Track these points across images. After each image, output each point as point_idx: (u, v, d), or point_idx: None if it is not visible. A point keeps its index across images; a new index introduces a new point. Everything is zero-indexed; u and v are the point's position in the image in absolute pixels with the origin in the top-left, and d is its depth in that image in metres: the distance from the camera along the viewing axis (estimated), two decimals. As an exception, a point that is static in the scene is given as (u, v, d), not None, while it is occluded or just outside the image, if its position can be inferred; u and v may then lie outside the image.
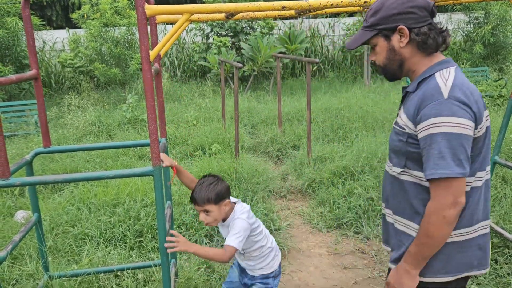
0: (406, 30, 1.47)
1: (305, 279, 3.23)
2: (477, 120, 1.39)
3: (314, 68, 12.24)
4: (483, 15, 11.56)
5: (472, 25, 12.06)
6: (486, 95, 8.15)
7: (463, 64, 10.80)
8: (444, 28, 1.51)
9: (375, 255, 3.47)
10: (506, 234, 2.81)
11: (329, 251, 3.62)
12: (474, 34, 11.73)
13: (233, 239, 2.02)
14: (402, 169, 1.55)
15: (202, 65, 11.37)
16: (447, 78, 1.43)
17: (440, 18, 13.21)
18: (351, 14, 11.28)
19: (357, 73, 11.99)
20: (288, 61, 11.59)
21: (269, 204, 4.32)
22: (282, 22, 12.68)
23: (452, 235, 1.48)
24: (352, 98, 7.58)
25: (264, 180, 4.68)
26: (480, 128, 1.41)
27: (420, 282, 1.54)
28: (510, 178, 3.96)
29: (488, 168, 1.52)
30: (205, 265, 3.04)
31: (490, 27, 11.03)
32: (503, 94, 8.41)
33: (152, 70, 1.93)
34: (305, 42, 10.49)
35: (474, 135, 1.40)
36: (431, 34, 1.47)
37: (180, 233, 3.73)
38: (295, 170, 5.08)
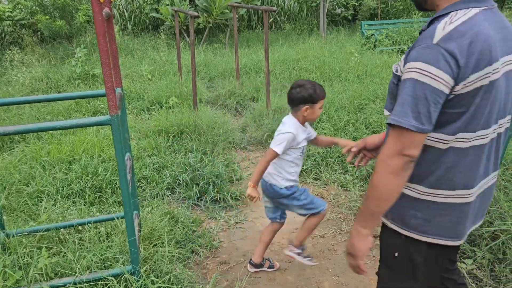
0: None
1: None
2: (460, 76, 1.23)
3: (271, 20, 12.03)
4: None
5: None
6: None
7: (415, 15, 10.97)
8: None
9: (333, 199, 3.62)
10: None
11: (290, 197, 3.73)
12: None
13: None
14: (390, 113, 1.42)
15: (154, 17, 10.87)
16: (454, 20, 1.26)
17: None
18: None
19: (313, 24, 11.92)
20: (244, 12, 11.31)
21: (229, 155, 4.34)
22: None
23: (431, 193, 1.39)
24: (309, 49, 7.58)
25: (224, 132, 4.68)
26: (467, 84, 1.25)
27: (402, 234, 1.47)
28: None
29: (484, 132, 1.33)
30: (168, 215, 3.05)
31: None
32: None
33: (103, 14, 1.82)
34: (260, -8, 10.22)
35: (454, 91, 1.26)
36: None
37: (141, 187, 3.70)
38: (254, 122, 5.10)
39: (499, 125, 1.38)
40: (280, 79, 6.29)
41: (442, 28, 1.25)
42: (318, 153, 4.10)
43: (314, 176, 3.96)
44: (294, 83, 2.40)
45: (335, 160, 4.03)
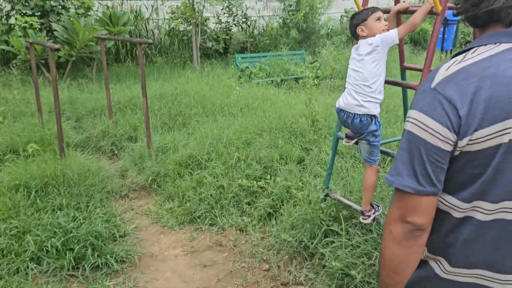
0: None
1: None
2: (462, 129, 0.99)
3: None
4: (295, 3, 12.59)
5: (286, 12, 13.04)
6: (306, 76, 8.86)
7: (282, 49, 11.57)
8: None
9: (234, 246, 3.31)
10: (354, 205, 2.94)
11: (185, 250, 3.31)
12: (289, 21, 12.71)
13: None
14: None
15: (3, 50, 9.49)
16: (467, 58, 1.03)
17: (258, 5, 13.91)
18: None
19: (186, 57, 11.73)
20: (111, 45, 10.59)
21: (109, 207, 3.75)
22: (99, 3, 11.49)
23: (449, 271, 1.14)
24: (186, 83, 7.30)
25: (100, 180, 4.06)
26: (476, 140, 0.99)
27: None
28: (344, 151, 4.28)
29: (506, 204, 1.03)
30: None
31: (302, 14, 12.09)
32: (318, 75, 9.29)
33: None
34: (129, 25, 9.69)
35: (458, 147, 1.01)
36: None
37: (-6, 262, 2.90)
38: (135, 165, 4.56)
39: (499, 206, 1.05)
40: (159, 116, 5.85)
41: (446, 68, 1.03)
42: (211, 195, 3.78)
43: (209, 221, 3.61)
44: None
45: (229, 202, 3.75)
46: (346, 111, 2.62)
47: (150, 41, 4.23)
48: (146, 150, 4.65)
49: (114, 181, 4.26)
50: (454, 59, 1.06)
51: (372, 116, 2.56)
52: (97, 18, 9.45)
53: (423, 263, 1.19)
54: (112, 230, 3.38)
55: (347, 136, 2.90)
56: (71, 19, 8.55)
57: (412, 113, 1.06)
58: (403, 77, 3.23)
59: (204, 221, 3.61)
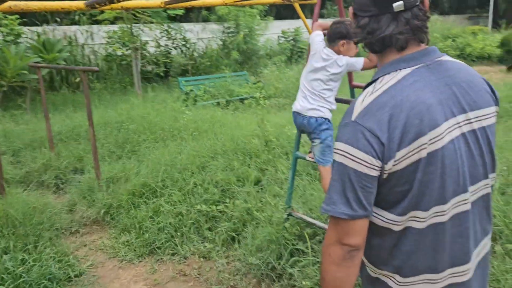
0: None
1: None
2: (386, 154, 1.09)
3: (78, 80, 11.05)
4: (234, 25, 12.80)
5: (226, 34, 13.21)
6: (251, 97, 8.96)
7: (224, 70, 11.66)
8: None
9: (198, 275, 3.22)
10: (317, 222, 2.99)
11: (148, 283, 3.18)
12: (229, 42, 12.89)
13: None
14: None
15: None
16: (377, 89, 1.15)
17: (196, 28, 13.97)
18: (113, 22, 10.63)
19: (126, 82, 11.44)
20: (45, 73, 10.08)
21: (60, 245, 3.51)
22: (28, 29, 10.96)
23: (401, 282, 1.21)
24: (131, 109, 7.10)
25: (48, 217, 3.80)
26: (398, 161, 1.10)
27: None
28: (300, 169, 4.35)
29: (441, 208, 1.14)
30: None
31: (242, 36, 12.31)
32: (263, 95, 9.44)
33: None
34: (64, 51, 9.32)
35: (385, 171, 1.11)
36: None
37: None
38: (84, 198, 4.33)
39: (472, 192, 1.18)
40: (105, 145, 5.62)
41: (361, 101, 1.15)
42: (170, 223, 3.67)
43: (170, 251, 3.49)
44: (334, 20, 2.67)
45: (190, 229, 3.66)
46: (302, 114, 2.83)
47: (96, 69, 4.09)
48: (95, 181, 4.43)
49: (62, 217, 4.01)
50: (366, 91, 1.18)
51: (325, 118, 2.82)
52: (29, 45, 9.00)
53: (375, 280, 1.27)
54: (66, 270, 3.16)
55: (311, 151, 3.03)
56: (0, 47, 8.06)
57: (339, 145, 1.15)
58: (352, 95, 3.38)
59: (164, 252, 3.48)
